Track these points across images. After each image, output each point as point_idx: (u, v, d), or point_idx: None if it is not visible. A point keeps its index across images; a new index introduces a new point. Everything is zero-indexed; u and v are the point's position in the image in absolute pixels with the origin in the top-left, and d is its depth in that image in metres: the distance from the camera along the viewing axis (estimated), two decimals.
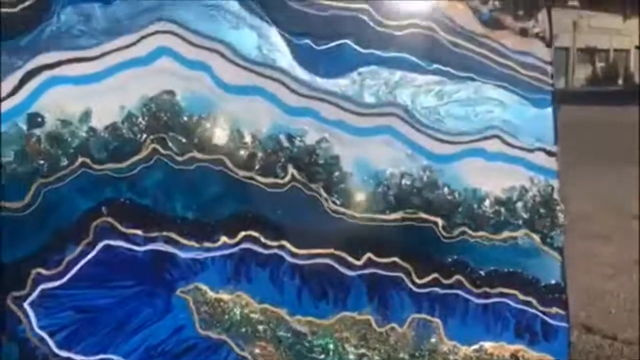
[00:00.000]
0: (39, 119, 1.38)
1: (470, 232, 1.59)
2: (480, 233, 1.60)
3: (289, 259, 1.51)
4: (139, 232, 1.43)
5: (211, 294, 1.47)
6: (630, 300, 3.39)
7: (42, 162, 1.38)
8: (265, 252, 1.50)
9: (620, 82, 34.68)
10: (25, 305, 1.37)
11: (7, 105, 1.36)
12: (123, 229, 1.42)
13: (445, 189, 1.58)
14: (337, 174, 1.53)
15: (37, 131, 1.38)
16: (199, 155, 1.46)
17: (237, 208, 1.49)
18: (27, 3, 1.37)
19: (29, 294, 1.37)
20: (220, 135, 1.47)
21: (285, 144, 1.51)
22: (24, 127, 1.37)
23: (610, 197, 6.54)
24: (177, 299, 1.46)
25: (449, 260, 1.58)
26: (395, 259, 1.55)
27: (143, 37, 1.43)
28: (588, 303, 3.21)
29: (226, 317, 1.48)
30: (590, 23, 36.49)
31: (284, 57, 1.51)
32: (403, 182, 1.56)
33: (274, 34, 1.50)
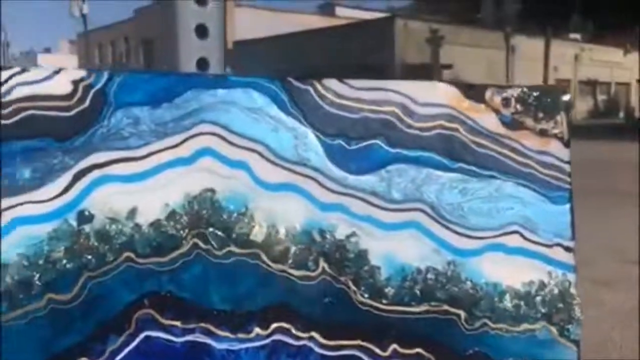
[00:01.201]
0: (88, 216, 1.46)
1: (490, 324, 1.65)
2: (500, 325, 1.66)
3: (317, 349, 1.57)
4: (177, 323, 1.50)
5: None
6: (631, 350, 3.42)
7: (89, 257, 1.46)
8: (296, 343, 1.56)
9: (621, 115, 34.91)
10: None
11: (58, 203, 1.44)
12: (163, 321, 1.49)
13: (468, 283, 1.65)
14: (365, 267, 1.60)
15: (87, 227, 1.46)
16: (236, 250, 1.54)
17: (270, 300, 1.56)
18: (81, 107, 1.47)
19: None
20: (257, 231, 1.55)
21: (317, 238, 1.58)
22: (74, 224, 1.45)
23: (611, 240, 6.56)
24: None
25: (470, 351, 1.65)
26: (419, 349, 1.62)
27: (187, 138, 1.52)
28: (589, 352, 3.24)
29: None
30: (591, 56, 36.86)
31: (318, 157, 1.59)
32: (429, 276, 1.63)
33: (309, 135, 1.59)
